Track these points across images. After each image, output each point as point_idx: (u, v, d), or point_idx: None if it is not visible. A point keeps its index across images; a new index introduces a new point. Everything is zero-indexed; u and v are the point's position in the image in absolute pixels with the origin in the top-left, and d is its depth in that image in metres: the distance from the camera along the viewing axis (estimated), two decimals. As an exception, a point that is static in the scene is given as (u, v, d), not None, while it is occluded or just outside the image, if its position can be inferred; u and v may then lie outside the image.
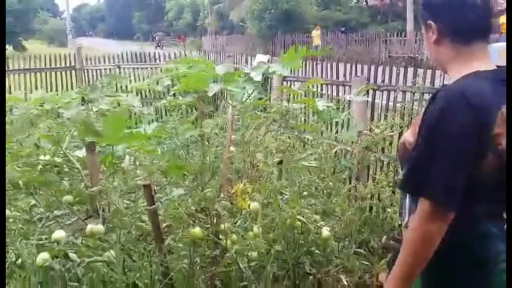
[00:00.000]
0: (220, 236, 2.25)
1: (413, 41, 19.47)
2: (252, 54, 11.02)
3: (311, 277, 2.56)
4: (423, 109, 1.51)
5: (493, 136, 1.34)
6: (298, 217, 2.23)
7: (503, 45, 1.82)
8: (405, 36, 20.67)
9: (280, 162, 2.63)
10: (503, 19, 12.15)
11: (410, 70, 3.91)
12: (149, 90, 7.84)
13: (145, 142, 3.38)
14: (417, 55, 17.84)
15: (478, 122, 1.33)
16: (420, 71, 3.79)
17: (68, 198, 1.92)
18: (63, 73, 8.95)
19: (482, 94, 1.37)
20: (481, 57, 1.47)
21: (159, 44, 38.50)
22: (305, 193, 2.80)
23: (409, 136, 1.50)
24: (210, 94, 2.66)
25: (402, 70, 3.92)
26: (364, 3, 31.80)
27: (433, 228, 1.35)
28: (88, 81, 8.73)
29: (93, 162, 1.83)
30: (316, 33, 23.24)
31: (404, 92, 3.85)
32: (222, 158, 2.55)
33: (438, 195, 1.35)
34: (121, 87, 8.13)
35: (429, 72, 3.83)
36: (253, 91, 2.93)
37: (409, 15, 22.39)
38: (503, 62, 1.57)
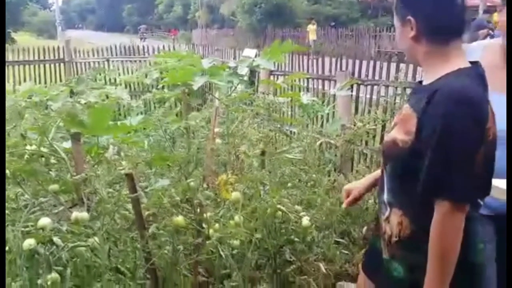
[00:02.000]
0: (204, 225, 2.32)
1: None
2: (243, 48, 11.06)
3: (293, 265, 2.64)
4: (407, 107, 1.55)
5: (487, 129, 1.43)
6: (279, 206, 2.30)
7: (488, 42, 1.94)
8: (394, 31, 20.79)
9: (263, 154, 2.70)
10: (495, 16, 12.08)
11: (394, 65, 3.98)
12: (138, 83, 7.87)
13: (132, 134, 3.43)
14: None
15: (478, 119, 1.41)
16: (403, 66, 3.87)
17: (54, 187, 1.98)
18: (52, 65, 8.94)
19: (474, 91, 1.45)
20: (458, 54, 1.52)
21: (143, 36, 38.36)
22: (289, 184, 2.87)
23: (400, 134, 1.52)
24: (195, 87, 2.73)
25: (385, 65, 4.00)
26: (355, -3, 31.88)
27: (457, 224, 1.42)
28: (77, 74, 8.74)
29: (77, 152, 1.88)
30: (312, 27, 23.23)
31: (387, 86, 3.94)
32: (206, 150, 2.61)
33: (458, 195, 1.42)
34: (109, 79, 8.15)
35: (411, 66, 3.92)
36: (238, 84, 3.00)
37: (399, 10, 22.49)
38: (488, 57, 1.78)
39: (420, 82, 1.64)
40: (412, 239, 1.53)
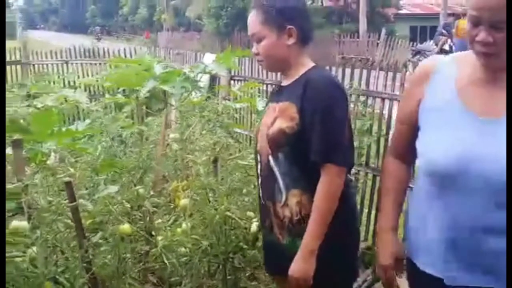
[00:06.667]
0: (153, 233, 2.30)
1: (366, 43, 19.93)
2: (209, 52, 11.02)
3: (245, 272, 2.64)
4: (281, 103, 1.78)
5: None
6: (227, 213, 2.30)
7: (458, 54, 1.60)
8: (357, 38, 21.10)
9: (215, 160, 2.70)
10: (462, 23, 12.01)
11: (347, 72, 4.03)
12: (97, 86, 7.73)
13: (85, 139, 3.35)
14: (369, 57, 18.26)
15: (345, 98, 1.77)
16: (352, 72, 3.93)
17: (-5, 195, 1.92)
18: (8, 68, 8.64)
19: (337, 79, 2.01)
20: (307, 57, 1.84)
21: (98, 37, 37.90)
22: (244, 190, 2.87)
23: (284, 123, 1.74)
24: (144, 91, 2.71)
25: (340, 71, 4.04)
26: (320, 3, 32.22)
27: (339, 185, 1.70)
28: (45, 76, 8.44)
29: (18, 159, 1.83)
30: None
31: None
32: (157, 156, 2.59)
33: (341, 159, 1.70)
34: (68, 82, 7.97)
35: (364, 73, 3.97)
36: (192, 90, 2.99)
37: (362, 17, 22.88)
38: (466, 71, 1.49)
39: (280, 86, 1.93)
40: None
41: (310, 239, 1.71)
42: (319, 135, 1.68)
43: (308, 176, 1.74)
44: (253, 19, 1.82)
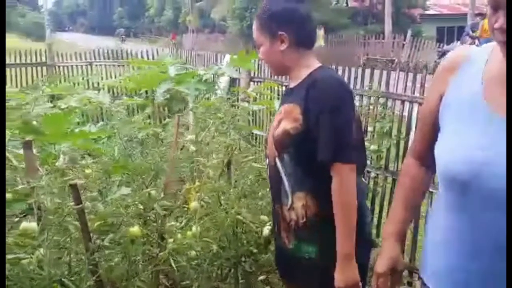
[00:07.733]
0: (164, 235, 2.29)
1: (391, 44, 19.69)
2: (232, 53, 11.02)
3: (261, 276, 2.61)
4: (285, 105, 1.79)
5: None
6: (238, 217, 2.27)
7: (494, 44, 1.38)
8: (383, 39, 20.86)
9: (229, 163, 2.68)
10: (486, 23, 11.96)
11: (368, 73, 3.96)
12: (120, 88, 7.81)
13: (104, 141, 3.36)
14: (394, 58, 18.02)
15: (351, 97, 1.74)
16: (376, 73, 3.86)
17: (7, 196, 1.93)
18: (34, 69, 8.82)
19: (341, 78, 2.08)
20: (313, 58, 1.85)
21: (122, 39, 38.74)
22: (260, 193, 2.85)
23: (289, 124, 1.74)
24: (159, 93, 2.70)
25: (360, 72, 3.98)
26: (345, 4, 31.99)
27: (353, 181, 1.67)
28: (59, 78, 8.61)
29: (29, 160, 1.83)
30: (320, 33, 22.45)
31: (361, 96, 3.90)
32: (169, 158, 2.57)
33: (353, 156, 1.68)
34: (92, 84, 8.08)
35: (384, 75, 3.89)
36: (207, 92, 2.98)
37: (387, 17, 22.62)
38: (495, 65, 1.29)
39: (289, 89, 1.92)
40: (319, 215, 1.73)
41: (341, 244, 1.68)
42: (325, 135, 1.67)
43: (312, 177, 1.74)
44: (254, 26, 1.88)
